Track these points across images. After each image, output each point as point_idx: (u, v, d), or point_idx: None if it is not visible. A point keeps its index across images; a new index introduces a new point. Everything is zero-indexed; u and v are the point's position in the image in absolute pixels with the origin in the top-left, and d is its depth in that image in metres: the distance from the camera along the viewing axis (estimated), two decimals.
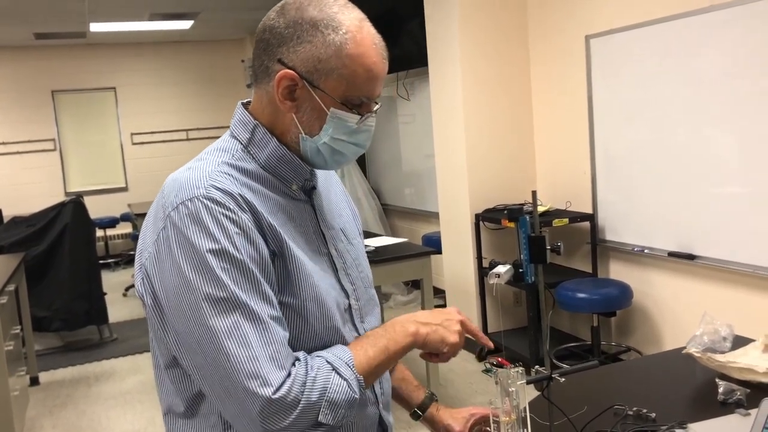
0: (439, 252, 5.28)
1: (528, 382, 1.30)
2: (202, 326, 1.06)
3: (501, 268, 1.25)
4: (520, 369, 1.31)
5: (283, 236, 1.16)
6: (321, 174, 1.34)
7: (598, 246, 4.36)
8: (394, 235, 6.65)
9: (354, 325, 1.27)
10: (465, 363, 4.79)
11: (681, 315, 3.88)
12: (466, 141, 4.77)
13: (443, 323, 1.24)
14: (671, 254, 3.81)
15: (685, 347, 1.88)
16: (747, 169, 3.36)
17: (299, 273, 1.16)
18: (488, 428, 1.32)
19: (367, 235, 4.52)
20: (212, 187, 1.11)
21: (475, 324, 4.94)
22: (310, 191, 1.28)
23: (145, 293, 1.14)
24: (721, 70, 3.42)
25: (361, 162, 7.22)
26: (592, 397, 1.71)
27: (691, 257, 3.70)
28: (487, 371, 1.32)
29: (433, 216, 5.63)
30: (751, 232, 3.37)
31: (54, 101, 9.50)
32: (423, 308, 3.86)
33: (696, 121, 3.60)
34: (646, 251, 4.02)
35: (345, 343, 1.21)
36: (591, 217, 4.36)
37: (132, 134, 9.83)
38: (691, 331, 1.86)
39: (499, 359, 1.31)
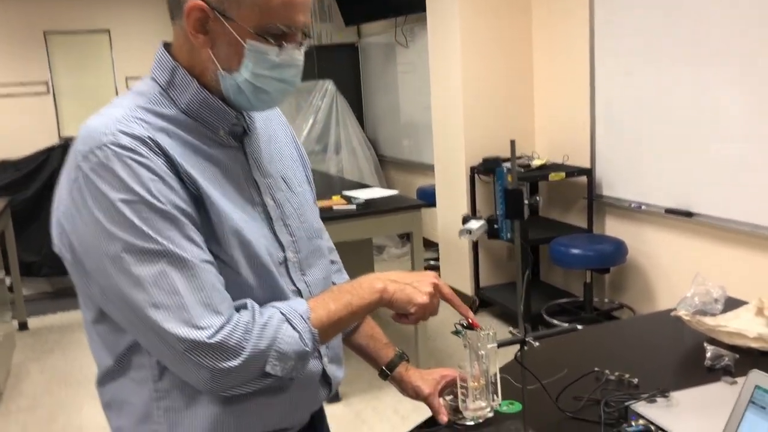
0: (433, 205, 5.18)
1: (499, 346, 1.22)
2: (126, 279, 0.99)
3: (473, 224, 1.15)
4: (491, 332, 1.22)
5: (201, 184, 1.06)
6: (260, 117, 1.24)
7: (595, 201, 4.26)
8: (389, 187, 6.54)
9: (291, 278, 1.18)
10: (455, 315, 4.74)
11: (676, 273, 3.80)
12: (464, 91, 4.62)
13: (413, 283, 1.15)
14: (668, 211, 3.71)
15: (675, 309, 1.79)
16: (748, 127, 3.24)
17: (222, 223, 1.07)
18: (459, 391, 1.24)
19: (359, 186, 4.42)
20: (120, 133, 1.02)
21: (467, 280, 4.89)
22: (241, 137, 1.18)
23: (64, 248, 1.05)
24: (726, 25, 3.26)
25: (358, 111, 7.06)
26: (572, 360, 1.62)
27: (688, 214, 3.60)
28: (456, 333, 1.23)
29: (430, 168, 5.51)
30: (750, 190, 3.26)
31: (47, 43, 9.29)
32: (413, 262, 3.78)
33: (699, 76, 3.46)
34: (642, 207, 3.91)
35: (284, 296, 1.13)
36: (588, 172, 4.24)
37: (127, 78, 9.64)
38: (684, 289, 1.77)
39: (471, 320, 1.22)
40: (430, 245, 5.93)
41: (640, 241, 4.00)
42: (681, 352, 1.68)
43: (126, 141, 1.01)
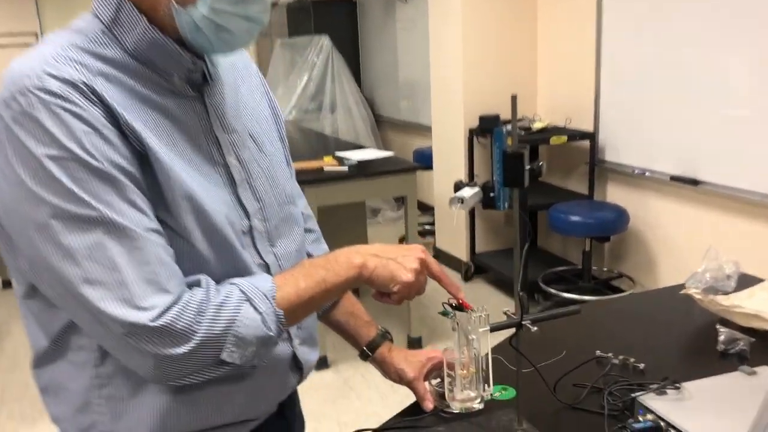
0: (430, 168, 5.02)
1: (492, 330, 1.08)
2: (55, 250, 0.84)
3: (466, 191, 0.98)
4: (484, 313, 1.07)
5: (147, 139, 0.91)
6: (226, 64, 1.08)
7: (597, 167, 4.10)
8: (386, 148, 6.37)
9: (257, 249, 1.03)
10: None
11: (679, 243, 3.66)
12: (464, 49, 4.42)
13: (398, 258, 1.01)
14: (673, 178, 3.56)
15: (683, 285, 1.65)
16: (759, 91, 3.06)
17: (171, 185, 0.91)
18: (446, 373, 1.10)
19: (354, 147, 4.25)
20: (48, 76, 0.85)
21: (463, 246, 4.76)
22: (200, 85, 1.02)
23: None
24: None
25: (355, 69, 6.84)
26: (572, 340, 1.49)
27: (694, 182, 3.45)
28: (443, 313, 1.09)
29: (428, 130, 5.32)
30: (761, 157, 3.10)
31: None
32: (407, 227, 3.63)
33: (709, 39, 3.27)
34: (646, 174, 3.76)
35: (247, 271, 0.99)
36: (591, 136, 4.07)
37: None
38: (689, 261, 1.63)
39: (461, 300, 1.07)
40: (426, 209, 5.78)
41: (643, 209, 3.86)
42: (691, 334, 1.54)
43: (54, 86, 0.85)
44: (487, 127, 4.21)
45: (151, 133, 0.91)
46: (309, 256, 1.27)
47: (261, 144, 1.10)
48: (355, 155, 3.68)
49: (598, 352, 1.41)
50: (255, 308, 0.91)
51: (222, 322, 0.89)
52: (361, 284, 1.00)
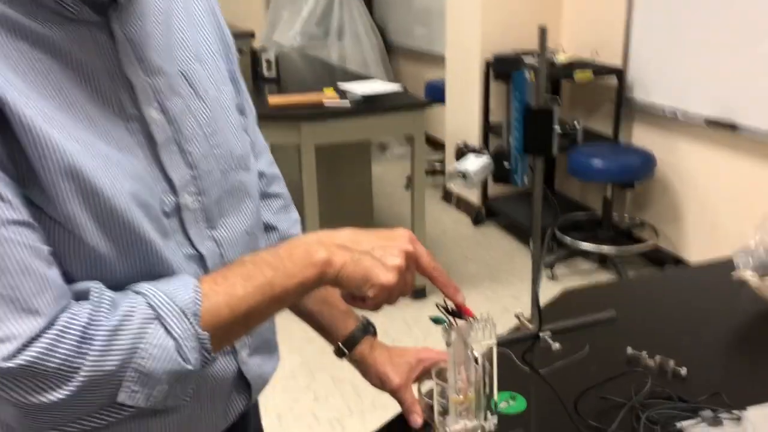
0: (443, 101, 4.69)
1: (501, 344, 0.81)
2: None
3: (471, 162, 0.71)
4: (490, 320, 0.81)
5: (7, 90, 0.61)
6: None
7: (624, 106, 3.76)
8: (397, 79, 6.01)
9: (187, 235, 0.77)
10: (458, 225, 4.37)
11: (711, 194, 3.36)
12: None
13: (375, 251, 0.74)
14: (708, 122, 3.23)
15: (731, 262, 1.38)
16: None
17: (46, 157, 0.63)
18: (436, 399, 0.84)
19: (360, 77, 3.92)
20: None
21: (475, 191, 4.47)
22: (105, 6, 0.72)
23: None
24: None
25: None
26: (598, 331, 1.23)
27: (732, 127, 3.12)
28: (436, 321, 0.82)
29: (443, 60, 4.96)
30: None
31: None
32: (413, 169, 3.35)
33: None
34: (678, 116, 3.42)
35: (169, 270, 0.72)
36: (619, 72, 3.72)
37: None
38: (721, 215, 1.36)
39: (460, 304, 0.81)
40: (438, 146, 5.47)
41: (672, 154, 3.54)
42: (745, 328, 1.27)
43: None
44: (504, 70, 3.83)
45: (18, 79, 0.63)
46: (272, 229, 1.01)
47: (199, 88, 0.81)
48: (359, 88, 3.36)
49: (629, 350, 1.15)
50: (167, 331, 0.64)
51: (117, 354, 0.62)
52: (323, 286, 0.73)
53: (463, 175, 0.73)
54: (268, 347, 0.92)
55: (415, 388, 1.03)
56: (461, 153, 0.77)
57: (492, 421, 0.85)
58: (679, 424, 0.89)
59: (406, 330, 3.08)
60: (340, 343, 1.04)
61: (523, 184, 0.79)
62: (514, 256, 3.93)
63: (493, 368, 0.83)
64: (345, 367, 1.06)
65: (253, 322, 0.72)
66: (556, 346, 0.79)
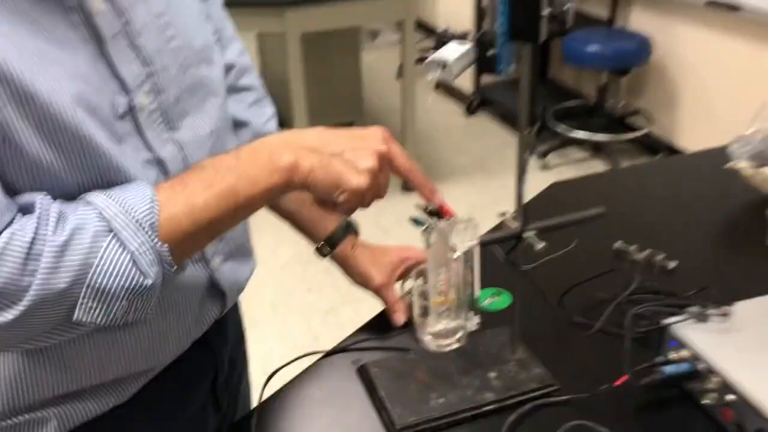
0: None
1: (483, 245, 0.78)
2: None
3: (451, 51, 0.65)
4: (472, 220, 0.77)
5: None
6: None
7: None
8: None
9: (144, 139, 0.71)
10: (450, 116, 4.29)
11: (708, 79, 3.27)
12: None
13: (346, 152, 0.69)
14: (708, 2, 3.10)
15: (725, 149, 1.34)
16: None
17: None
18: (414, 303, 0.82)
19: None
20: None
21: (467, 76, 4.36)
22: None
23: None
24: None
25: None
26: (586, 225, 1.20)
27: (733, 8, 2.99)
28: (416, 222, 0.79)
29: None
30: None
31: None
32: (404, 56, 3.23)
33: None
34: None
35: (125, 176, 0.67)
36: None
37: None
38: (717, 101, 1.31)
39: (440, 204, 0.77)
40: (431, 33, 5.29)
41: (670, 38, 3.42)
42: (733, 219, 1.25)
43: None
44: None
45: None
46: (243, 126, 0.95)
47: None
48: None
49: (617, 244, 1.13)
50: (122, 244, 0.60)
51: (68, 271, 0.58)
52: (290, 191, 0.69)
53: (442, 65, 0.67)
54: (242, 252, 0.89)
55: (398, 287, 1.01)
56: (442, 40, 0.71)
57: (474, 320, 0.83)
58: (665, 321, 0.87)
59: (396, 221, 3.08)
60: (321, 243, 1.02)
61: (507, 71, 0.73)
62: (506, 146, 3.88)
63: (474, 269, 0.80)
64: None
65: (217, 232, 0.68)
66: (540, 245, 0.76)
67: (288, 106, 3.02)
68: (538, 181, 3.47)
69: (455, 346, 0.81)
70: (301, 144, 0.68)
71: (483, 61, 0.69)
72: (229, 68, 0.93)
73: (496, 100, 4.19)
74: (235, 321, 0.99)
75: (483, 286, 1.04)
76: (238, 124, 0.95)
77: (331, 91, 3.73)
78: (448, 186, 3.41)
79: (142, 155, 0.70)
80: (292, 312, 2.66)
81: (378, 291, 0.99)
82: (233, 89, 0.95)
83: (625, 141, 3.61)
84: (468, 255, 0.79)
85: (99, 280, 0.59)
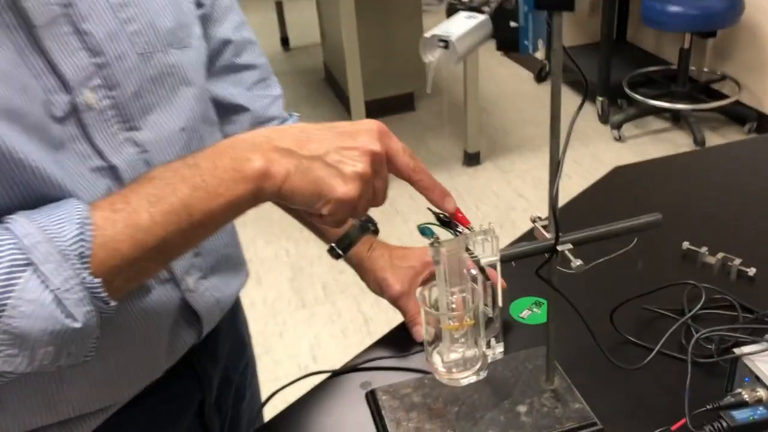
0: None
1: (504, 261, 0.64)
2: None
3: (458, 24, 0.50)
4: (492, 231, 0.63)
5: None
6: None
7: None
8: None
9: (92, 144, 0.59)
10: (518, 83, 4.07)
11: None
12: None
13: (329, 155, 0.56)
14: None
15: None
16: None
17: None
18: (424, 327, 0.69)
19: None
20: None
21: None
22: None
23: None
24: None
25: None
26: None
27: None
28: (424, 232, 0.65)
29: None
30: None
31: None
32: None
33: None
34: None
35: (63, 193, 0.55)
36: None
37: None
38: None
39: (456, 211, 0.63)
40: None
41: None
42: None
43: None
44: None
45: None
46: (243, 111, 0.83)
47: None
48: None
49: (686, 245, 0.96)
50: (43, 280, 0.49)
51: None
52: (261, 203, 0.56)
53: (444, 43, 0.53)
54: (228, 265, 0.77)
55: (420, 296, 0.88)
56: (452, 8, 0.56)
57: (497, 348, 0.69)
58: (739, 350, 0.71)
59: (457, 198, 2.92)
60: (333, 244, 0.89)
61: (534, 48, 0.58)
62: (580, 116, 3.63)
63: (497, 288, 0.66)
64: None
65: (169, 256, 0.56)
66: (577, 263, 0.61)
67: (342, 75, 2.89)
68: (610, 154, 3.26)
69: (473, 379, 0.68)
70: (274, 144, 0.55)
71: (502, 37, 0.54)
72: (224, 44, 0.81)
73: (568, 66, 3.93)
74: (232, 332, 0.87)
75: (520, 294, 0.91)
76: (235, 109, 0.83)
77: (389, 59, 3.56)
78: (513, 159, 3.22)
79: (89, 163, 0.59)
80: (344, 293, 2.56)
81: (396, 301, 0.86)
82: (230, 69, 0.82)
83: (709, 110, 3.32)
84: (489, 271, 0.65)
85: (15, 324, 0.48)
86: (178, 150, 0.66)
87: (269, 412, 0.82)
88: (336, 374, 0.83)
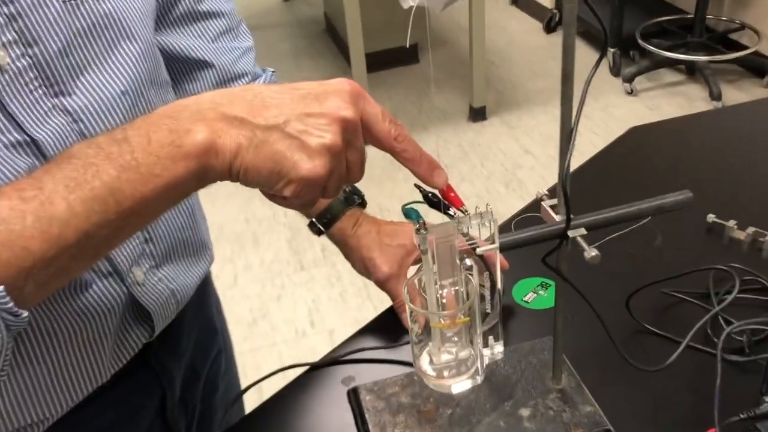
0: None
1: (505, 248, 0.53)
2: None
3: None
4: (489, 214, 0.53)
5: None
6: None
7: None
8: None
9: (7, 114, 0.49)
10: (526, 33, 3.90)
11: None
12: None
13: (291, 123, 0.45)
14: None
15: None
16: None
17: None
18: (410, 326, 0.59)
19: None
20: None
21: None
22: None
23: None
24: None
25: None
26: (669, 185, 0.93)
27: None
28: (408, 214, 0.55)
29: None
30: None
31: None
32: None
33: None
34: None
35: None
36: None
37: None
38: None
39: (448, 189, 0.53)
40: None
41: None
42: None
43: None
44: None
45: None
46: (207, 67, 0.72)
47: None
48: None
49: (711, 218, 0.86)
50: None
51: None
52: (208, 184, 0.46)
53: None
54: (188, 250, 0.67)
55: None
56: None
57: (496, 348, 0.59)
58: None
59: (462, 155, 2.81)
60: (313, 218, 0.79)
61: None
62: (589, 69, 3.49)
63: (496, 276, 0.56)
64: None
65: (97, 251, 0.45)
66: (592, 252, 0.51)
67: (340, 27, 2.75)
68: (622, 109, 3.11)
69: (468, 385, 0.58)
70: (222, 112, 0.45)
71: None
72: None
73: (579, 16, 3.76)
74: (199, 319, 0.78)
75: (524, 275, 0.81)
76: (197, 65, 0.72)
77: (392, 9, 3.41)
78: (521, 115, 3.09)
79: (4, 137, 0.48)
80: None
81: (383, 284, 0.76)
82: (191, 17, 0.72)
83: (726, 61, 3.16)
84: (488, 260, 0.55)
85: None
86: (119, 118, 0.55)
87: (251, 401, 0.73)
88: (316, 367, 0.74)
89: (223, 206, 2.65)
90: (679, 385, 0.66)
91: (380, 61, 3.33)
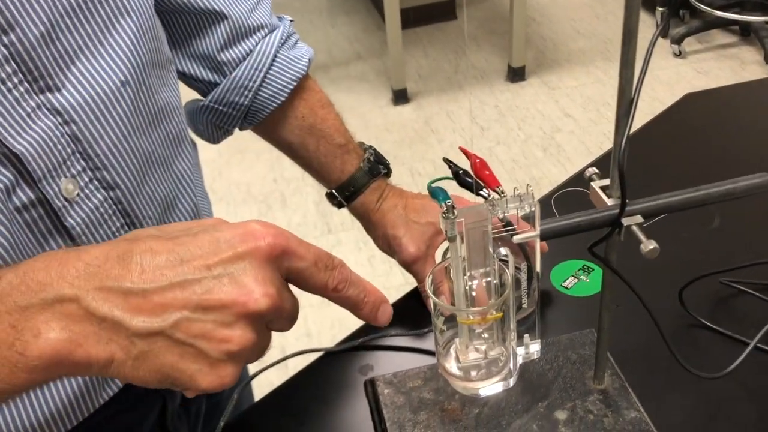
0: None
1: (546, 236, 0.46)
2: None
3: None
4: (529, 195, 0.45)
5: None
6: None
7: None
8: None
9: None
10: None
11: None
12: None
13: (181, 324, 0.34)
14: None
15: None
16: None
17: None
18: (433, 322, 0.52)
19: None
20: None
21: None
22: None
23: None
24: None
25: None
26: (724, 171, 0.84)
27: None
28: (435, 195, 0.48)
29: None
30: None
31: None
32: None
33: None
34: None
35: None
36: None
37: None
38: None
39: (483, 167, 0.45)
40: None
41: None
42: None
43: None
44: None
45: None
46: (222, 19, 0.65)
47: None
48: None
49: None
50: None
51: None
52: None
53: None
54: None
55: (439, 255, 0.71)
56: None
57: (533, 347, 0.52)
58: None
59: (499, 117, 2.70)
60: (333, 190, 0.72)
61: None
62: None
63: (535, 266, 0.49)
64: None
65: None
66: (650, 245, 0.43)
67: None
68: (668, 71, 2.96)
69: (499, 388, 0.51)
70: (91, 308, 0.33)
71: None
72: None
73: None
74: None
75: (564, 257, 0.74)
76: (210, 18, 0.65)
77: None
78: (562, 75, 2.96)
79: None
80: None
81: (409, 265, 0.69)
82: None
83: None
84: (528, 252, 0.47)
85: None
86: (121, 115, 0.48)
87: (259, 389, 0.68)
88: (331, 353, 0.67)
89: (251, 165, 2.60)
90: (741, 393, 0.58)
91: (416, 17, 3.22)
